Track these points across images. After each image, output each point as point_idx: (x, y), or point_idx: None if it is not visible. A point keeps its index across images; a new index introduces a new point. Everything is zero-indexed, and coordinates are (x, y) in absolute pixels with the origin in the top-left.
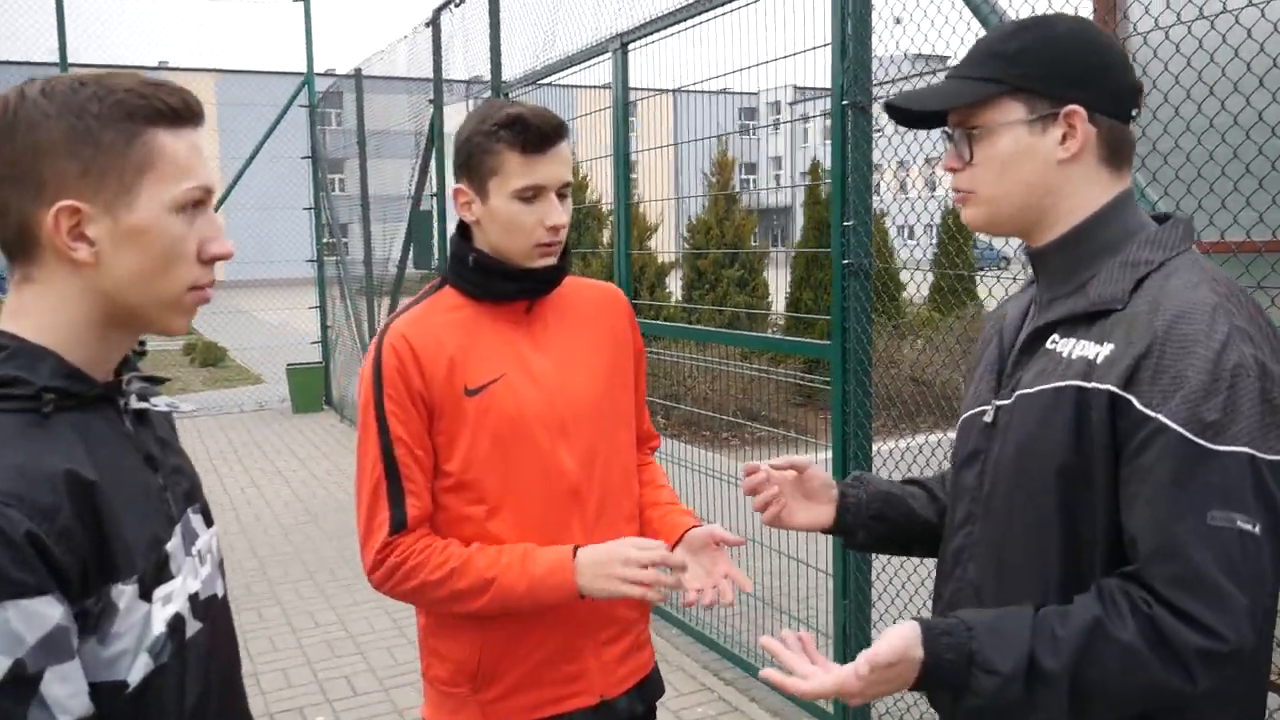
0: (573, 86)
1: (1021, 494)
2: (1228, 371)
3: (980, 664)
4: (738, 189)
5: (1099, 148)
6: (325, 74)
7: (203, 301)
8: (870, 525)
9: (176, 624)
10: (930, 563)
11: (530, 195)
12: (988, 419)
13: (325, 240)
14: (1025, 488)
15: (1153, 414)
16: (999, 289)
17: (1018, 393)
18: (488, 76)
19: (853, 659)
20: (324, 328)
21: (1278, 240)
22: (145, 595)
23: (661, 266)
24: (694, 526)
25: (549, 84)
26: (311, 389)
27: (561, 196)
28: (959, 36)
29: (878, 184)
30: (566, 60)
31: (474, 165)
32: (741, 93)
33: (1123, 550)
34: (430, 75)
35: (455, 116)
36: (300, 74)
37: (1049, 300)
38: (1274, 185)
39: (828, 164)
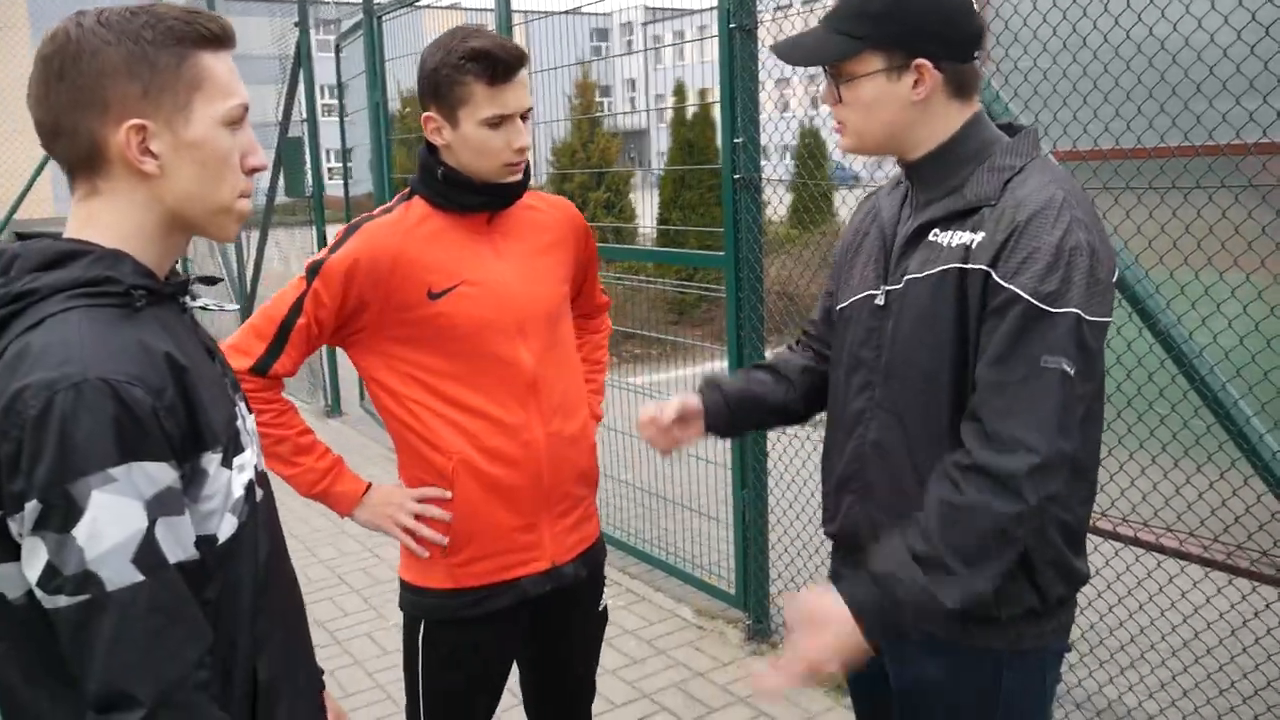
0: (451, 8)
1: (917, 361)
2: (1067, 251)
3: (880, 580)
4: (607, 112)
5: (946, 88)
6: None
7: (247, 209)
8: (731, 420)
9: (249, 488)
10: (810, 447)
11: (498, 121)
12: (879, 301)
13: None
14: (921, 356)
15: (1006, 284)
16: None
17: (907, 278)
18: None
19: (753, 548)
20: (186, 262)
21: (1120, 149)
22: (227, 463)
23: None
24: None
25: (427, 6)
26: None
27: (523, 119)
28: None
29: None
30: None
31: (443, 95)
32: (594, 14)
33: None
34: None
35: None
36: None
37: (925, 202)
38: (1117, 99)
39: (694, 83)
